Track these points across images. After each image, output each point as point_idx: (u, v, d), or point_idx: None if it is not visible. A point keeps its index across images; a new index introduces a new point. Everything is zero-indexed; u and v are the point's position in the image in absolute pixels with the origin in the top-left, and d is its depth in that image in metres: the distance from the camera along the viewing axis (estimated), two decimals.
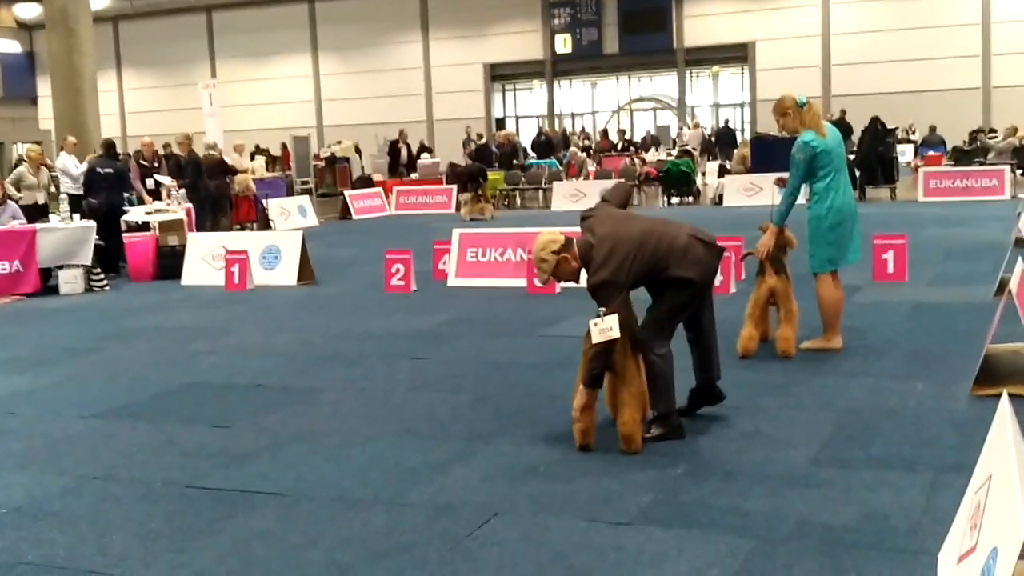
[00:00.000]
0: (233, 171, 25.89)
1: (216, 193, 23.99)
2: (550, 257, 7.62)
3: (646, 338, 7.73)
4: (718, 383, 8.38)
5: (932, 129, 40.98)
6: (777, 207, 10.35)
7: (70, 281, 17.74)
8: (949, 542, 5.23)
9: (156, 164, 23.25)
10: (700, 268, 7.77)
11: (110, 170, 20.29)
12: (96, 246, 18.00)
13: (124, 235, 19.76)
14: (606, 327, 7.38)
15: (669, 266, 7.66)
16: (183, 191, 22.38)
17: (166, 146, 26.68)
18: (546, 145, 41.69)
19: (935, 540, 5.52)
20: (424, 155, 41.54)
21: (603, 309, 7.43)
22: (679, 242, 7.75)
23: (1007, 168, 29.47)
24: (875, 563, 5.45)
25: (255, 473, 7.50)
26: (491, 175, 33.75)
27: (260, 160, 36.64)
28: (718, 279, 13.00)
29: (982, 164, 31.81)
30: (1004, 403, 4.72)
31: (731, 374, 9.52)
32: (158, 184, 22.39)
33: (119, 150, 24.07)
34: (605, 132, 52.19)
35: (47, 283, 18.00)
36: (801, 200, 10.30)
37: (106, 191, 19.95)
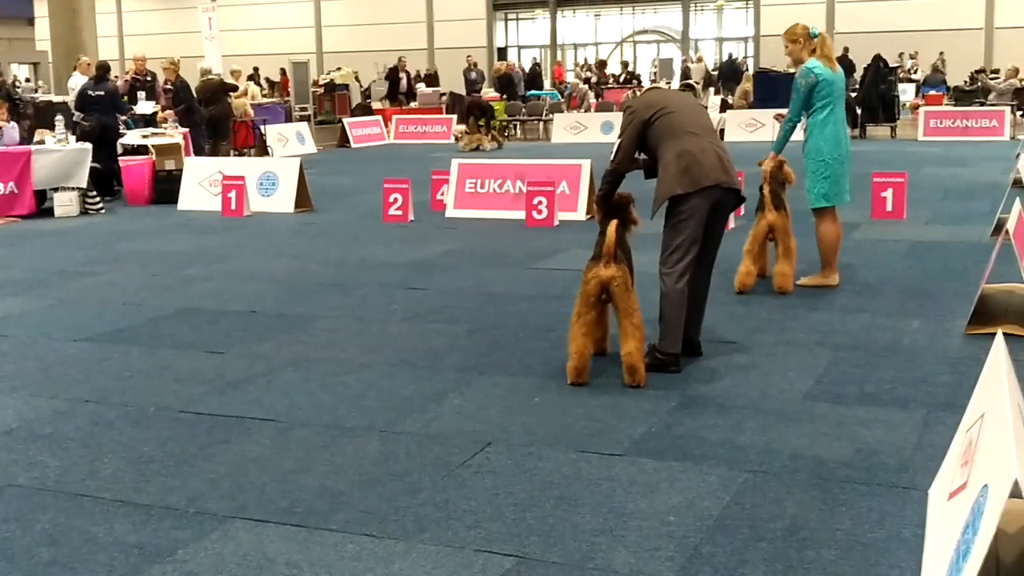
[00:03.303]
0: (234, 87, 25.60)
1: (216, 116, 23.74)
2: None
3: (663, 269, 7.83)
4: (698, 338, 8.32)
5: (934, 68, 40.78)
6: (777, 134, 10.35)
7: (65, 204, 17.68)
8: (940, 479, 5.25)
9: (149, 79, 23.11)
10: (695, 173, 7.76)
11: (101, 92, 20.13)
12: (91, 169, 17.93)
13: (121, 159, 19.67)
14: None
15: (674, 140, 7.80)
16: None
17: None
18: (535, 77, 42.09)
19: (926, 476, 5.55)
20: (420, 84, 41.45)
21: (619, 134, 8.04)
22: (709, 144, 7.89)
23: (1007, 109, 29.44)
24: (866, 498, 5.47)
25: (249, 399, 7.50)
26: (494, 106, 33.64)
27: (254, 87, 36.30)
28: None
29: (982, 105, 31.74)
30: (998, 342, 4.72)
31: (728, 309, 9.57)
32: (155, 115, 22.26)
33: (116, 72, 23.85)
34: (602, 63, 51.89)
35: (42, 205, 17.94)
36: (798, 136, 10.27)
37: (98, 113, 19.82)
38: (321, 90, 42.15)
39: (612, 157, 7.96)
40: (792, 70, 11.21)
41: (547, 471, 5.99)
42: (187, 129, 21.58)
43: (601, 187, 7.99)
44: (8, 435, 6.90)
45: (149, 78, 23.26)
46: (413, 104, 38.30)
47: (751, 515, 5.32)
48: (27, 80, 53.24)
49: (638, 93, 8.17)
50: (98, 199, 18.11)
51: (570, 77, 49.38)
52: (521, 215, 15.42)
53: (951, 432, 5.52)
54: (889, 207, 14.59)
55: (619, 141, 7.96)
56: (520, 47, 60.01)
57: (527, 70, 44.85)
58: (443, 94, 38.81)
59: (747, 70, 43.34)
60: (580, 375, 7.54)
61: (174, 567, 4.94)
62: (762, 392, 7.34)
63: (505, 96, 37.53)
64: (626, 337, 7.44)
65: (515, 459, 6.19)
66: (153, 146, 19.66)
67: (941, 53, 43.82)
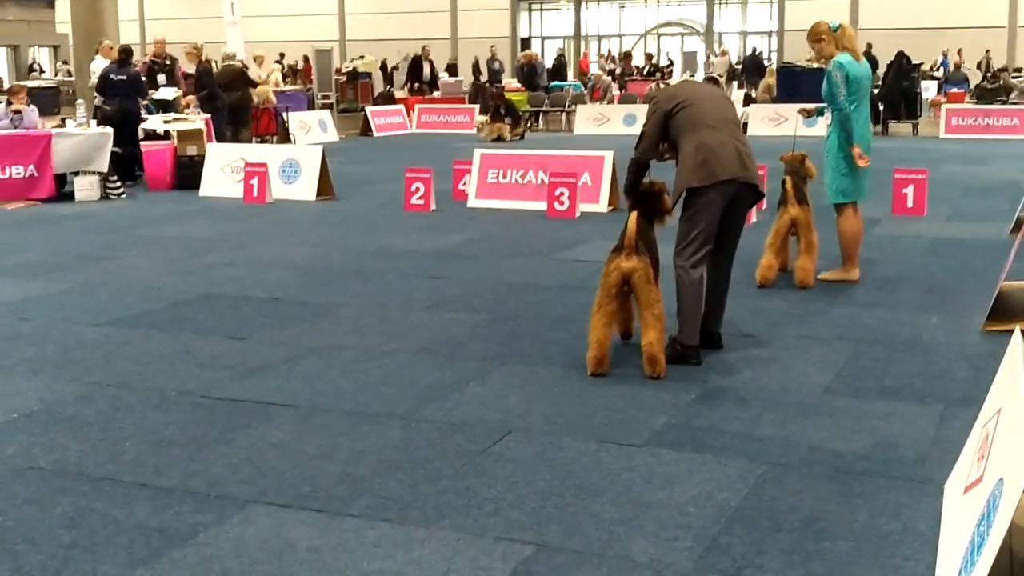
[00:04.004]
0: (253, 84, 25.50)
1: (235, 104, 23.67)
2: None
3: (678, 261, 7.86)
4: (719, 331, 8.33)
5: (956, 66, 40.64)
6: (852, 132, 10.13)
7: (86, 188, 17.71)
8: (956, 472, 5.27)
9: (168, 63, 23.08)
10: (712, 167, 7.77)
11: (123, 77, 20.08)
12: (112, 153, 17.96)
13: (142, 143, 19.70)
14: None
15: (693, 132, 7.81)
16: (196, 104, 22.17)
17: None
18: (558, 69, 41.98)
19: (942, 470, 5.56)
20: (443, 74, 41.40)
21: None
22: (728, 138, 7.86)
23: None
24: (883, 491, 5.50)
25: (271, 385, 7.54)
26: (515, 97, 33.60)
27: (276, 74, 36.22)
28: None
29: (1004, 103, 31.61)
30: (1016, 339, 4.73)
31: (749, 303, 9.58)
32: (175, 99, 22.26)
33: (138, 57, 23.76)
34: (628, 54, 51.82)
35: (62, 189, 18.00)
36: (820, 131, 10.25)
37: (119, 97, 19.85)
38: (344, 78, 42.16)
39: (636, 146, 8.00)
40: (815, 65, 11.20)
41: (567, 460, 6.02)
42: (209, 115, 21.60)
43: (627, 176, 8.00)
44: (29, 418, 6.94)
45: (168, 62, 23.23)
46: (436, 93, 38.28)
47: (769, 506, 5.35)
48: (63, 63, 53.03)
49: (662, 86, 8.22)
50: (119, 184, 18.12)
51: (594, 68, 49.27)
52: (543, 206, 15.43)
53: (968, 427, 5.54)
54: (910, 203, 14.58)
55: (643, 130, 8.01)
56: (544, 38, 59.96)
57: (550, 61, 44.73)
58: (472, 83, 38.82)
59: (771, 64, 43.24)
60: (600, 365, 7.57)
61: (195, 550, 4.98)
62: (782, 385, 7.36)
63: (525, 86, 37.46)
64: (647, 328, 7.47)
65: (535, 448, 6.22)
66: (175, 131, 19.68)
67: (987, 51, 43.64)
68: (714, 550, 4.90)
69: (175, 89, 22.83)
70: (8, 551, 5.00)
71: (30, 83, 26.72)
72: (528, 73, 37.94)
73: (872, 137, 10.43)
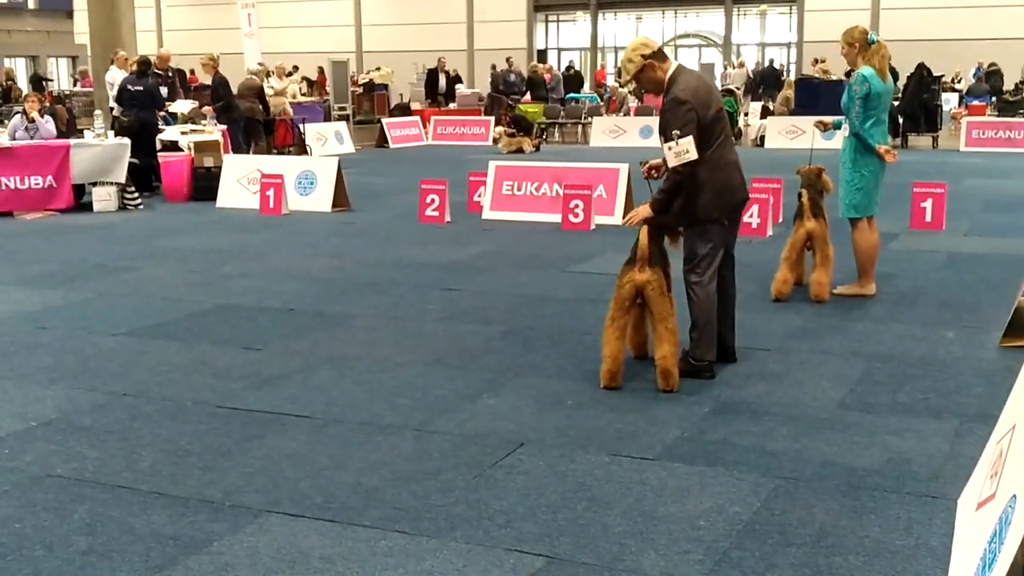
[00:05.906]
0: (264, 104, 25.32)
1: (246, 116, 23.54)
2: (637, 59, 7.75)
3: (692, 278, 7.84)
4: (734, 344, 8.33)
5: (978, 79, 40.48)
6: (869, 145, 10.08)
7: (104, 198, 17.82)
8: (969, 488, 5.25)
9: (170, 76, 23.12)
10: (729, 191, 7.83)
11: (140, 88, 20.14)
12: (130, 164, 18.05)
13: (160, 155, 19.77)
14: (681, 150, 7.48)
15: (717, 146, 7.72)
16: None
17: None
18: (574, 80, 41.80)
19: (955, 486, 5.55)
20: (458, 85, 41.35)
21: (676, 132, 7.49)
22: (734, 155, 7.91)
23: None
24: (895, 506, 5.50)
25: (285, 395, 7.58)
26: (530, 108, 33.56)
27: (294, 86, 36.19)
28: (755, 221, 13.03)
29: None
30: None
31: (763, 317, 9.58)
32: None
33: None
34: None
35: (80, 199, 18.09)
36: (836, 144, 10.22)
37: (136, 108, 19.91)
38: (360, 90, 42.19)
39: (681, 158, 7.51)
40: (834, 77, 11.17)
41: (579, 473, 6.04)
42: (225, 126, 21.61)
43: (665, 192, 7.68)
44: (47, 426, 6.99)
45: (170, 75, 23.27)
46: (452, 105, 38.31)
47: (781, 521, 5.36)
48: (79, 73, 52.97)
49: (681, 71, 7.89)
50: (136, 194, 18.21)
51: (610, 80, 49.15)
52: (557, 218, 15.44)
53: (983, 443, 5.53)
54: (928, 218, 14.54)
55: (688, 139, 7.49)
56: (560, 49, 59.89)
57: (565, 73, 44.56)
58: (481, 98, 38.78)
59: (788, 76, 43.13)
60: (613, 379, 7.58)
61: (210, 559, 5.02)
62: (795, 400, 7.36)
63: (530, 97, 37.34)
64: (660, 342, 7.48)
65: (547, 460, 6.24)
66: (192, 143, 19.74)
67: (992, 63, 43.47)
68: (725, 564, 4.91)
69: (192, 102, 22.89)
70: (26, 557, 5.05)
71: None
72: (536, 84, 37.82)
73: None
